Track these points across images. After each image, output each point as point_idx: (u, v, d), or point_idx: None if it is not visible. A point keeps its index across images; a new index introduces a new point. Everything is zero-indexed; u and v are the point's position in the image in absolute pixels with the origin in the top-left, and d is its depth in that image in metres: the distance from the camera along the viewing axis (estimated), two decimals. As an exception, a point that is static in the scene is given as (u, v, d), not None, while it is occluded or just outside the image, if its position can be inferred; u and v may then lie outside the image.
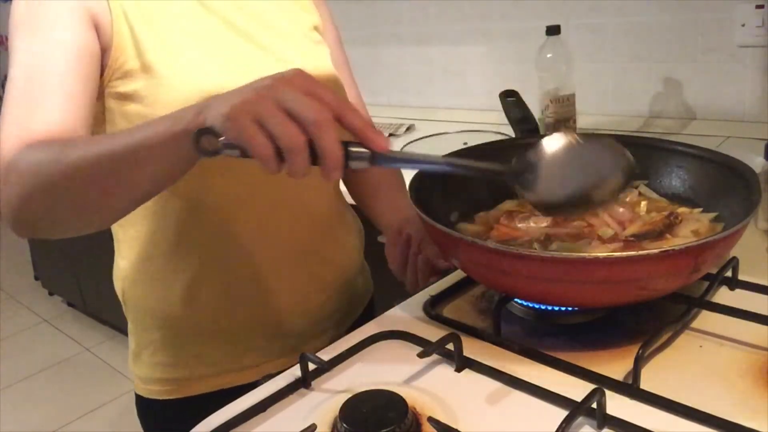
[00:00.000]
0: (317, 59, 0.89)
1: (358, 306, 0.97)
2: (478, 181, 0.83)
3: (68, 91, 0.69)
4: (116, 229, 0.84)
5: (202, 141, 0.54)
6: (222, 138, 0.54)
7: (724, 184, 0.75)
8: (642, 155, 0.84)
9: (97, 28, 0.73)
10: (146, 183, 0.63)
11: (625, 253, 0.60)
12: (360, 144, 0.55)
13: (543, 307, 0.71)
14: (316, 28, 0.92)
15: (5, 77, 0.70)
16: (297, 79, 0.55)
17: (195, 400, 0.84)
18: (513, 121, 0.88)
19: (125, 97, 0.75)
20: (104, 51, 0.74)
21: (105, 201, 0.64)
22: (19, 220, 0.67)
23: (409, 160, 0.61)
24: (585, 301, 0.67)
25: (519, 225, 0.77)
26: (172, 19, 0.76)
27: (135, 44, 0.73)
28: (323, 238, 0.89)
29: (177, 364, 0.84)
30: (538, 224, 0.77)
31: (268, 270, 0.84)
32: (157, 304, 0.83)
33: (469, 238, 0.66)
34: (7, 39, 0.72)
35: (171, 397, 0.85)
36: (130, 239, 0.82)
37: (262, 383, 0.67)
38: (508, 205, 0.84)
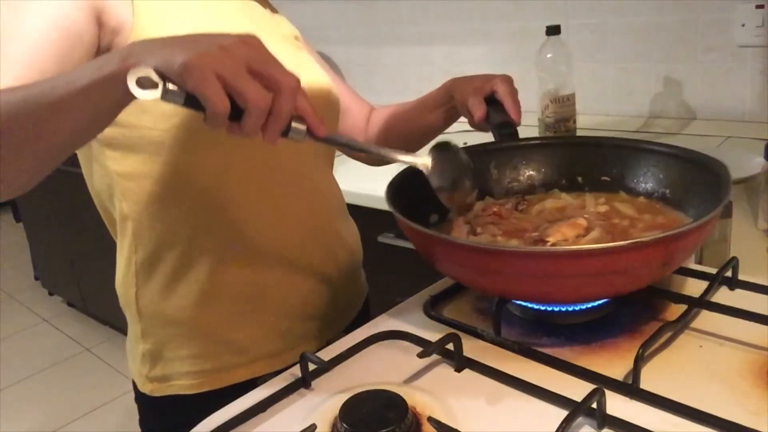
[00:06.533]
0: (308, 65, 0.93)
1: (361, 298, 1.00)
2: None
3: (35, 58, 0.67)
4: (129, 224, 0.81)
5: (141, 83, 0.53)
6: (165, 82, 0.54)
7: (696, 180, 0.76)
8: (617, 156, 0.86)
9: (104, 25, 0.72)
10: (68, 130, 0.61)
11: (609, 244, 0.59)
12: (299, 121, 0.60)
13: (542, 308, 0.71)
14: (296, 38, 0.96)
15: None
16: (260, 45, 0.57)
17: (227, 391, 0.82)
18: (493, 126, 0.90)
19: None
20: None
21: (33, 146, 0.61)
22: None
23: (339, 142, 0.69)
24: (562, 297, 0.67)
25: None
26: (182, 19, 0.76)
27: None
28: (336, 218, 0.93)
29: (207, 354, 0.83)
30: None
31: (290, 249, 0.85)
32: (179, 298, 0.82)
33: (455, 239, 0.66)
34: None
35: (202, 390, 0.83)
36: (146, 235, 0.81)
37: (262, 383, 0.67)
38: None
